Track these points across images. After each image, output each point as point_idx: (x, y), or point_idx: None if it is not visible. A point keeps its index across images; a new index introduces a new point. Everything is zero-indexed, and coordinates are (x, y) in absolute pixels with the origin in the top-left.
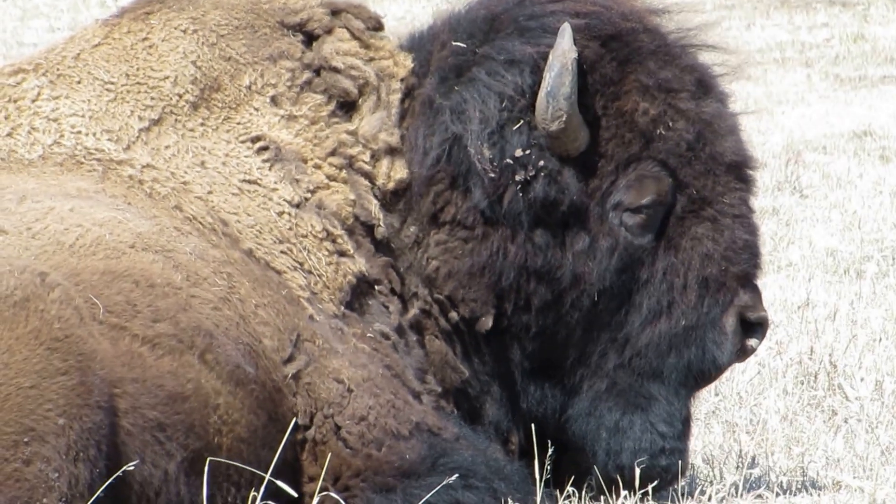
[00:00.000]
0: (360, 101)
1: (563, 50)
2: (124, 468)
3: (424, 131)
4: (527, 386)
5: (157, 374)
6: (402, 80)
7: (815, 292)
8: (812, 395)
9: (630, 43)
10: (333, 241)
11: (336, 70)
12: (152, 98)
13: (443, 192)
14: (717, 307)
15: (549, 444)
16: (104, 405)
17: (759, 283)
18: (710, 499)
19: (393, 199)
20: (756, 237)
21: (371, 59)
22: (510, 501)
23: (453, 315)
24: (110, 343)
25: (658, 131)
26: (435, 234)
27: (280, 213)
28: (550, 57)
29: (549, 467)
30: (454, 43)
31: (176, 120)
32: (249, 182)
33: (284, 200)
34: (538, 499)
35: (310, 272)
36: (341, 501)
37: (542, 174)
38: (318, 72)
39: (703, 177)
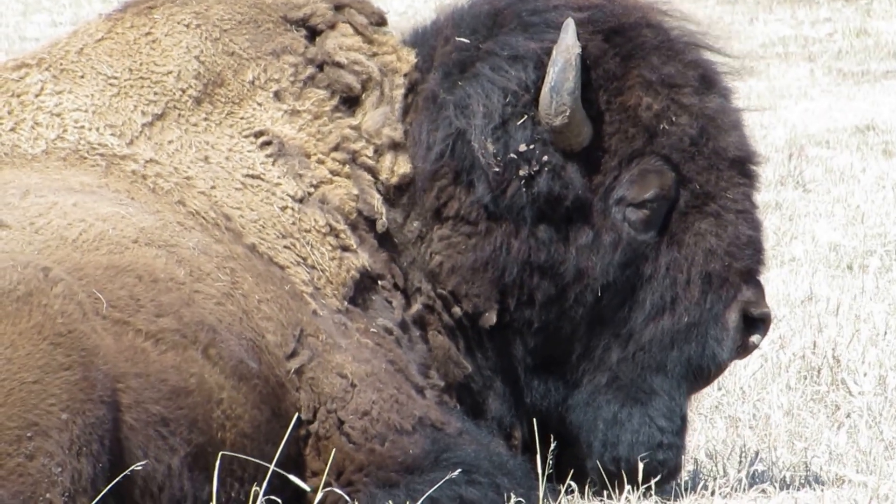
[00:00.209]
0: (364, 96)
1: (567, 45)
2: (132, 467)
3: (428, 126)
4: (530, 381)
5: (161, 369)
6: (405, 75)
7: (818, 287)
8: (815, 390)
9: (633, 38)
10: (336, 236)
11: (339, 65)
12: (155, 93)
13: (446, 187)
14: (719, 303)
15: (552, 439)
16: (107, 400)
17: (762, 278)
18: (713, 493)
19: (396, 194)
20: (759, 232)
21: (374, 55)
22: (513, 496)
23: (456, 310)
24: (113, 338)
25: (661, 126)
26: (438, 229)
27: (283, 208)
28: (554, 52)
29: (551, 462)
30: (457, 38)
31: (179, 115)
32: (253, 177)
33: (287, 195)
34: (541, 494)
35: (313, 267)
36: (345, 496)
37: (546, 169)
38: (321, 67)
39: (707, 172)
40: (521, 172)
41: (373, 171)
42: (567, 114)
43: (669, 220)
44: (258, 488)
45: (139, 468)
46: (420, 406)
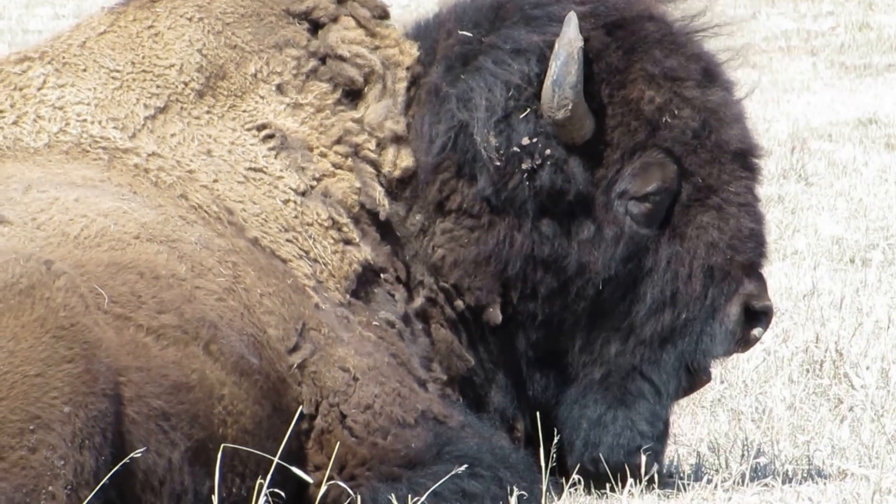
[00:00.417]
0: (366, 89)
1: (570, 39)
2: (132, 454)
3: (430, 119)
4: (532, 374)
5: (162, 364)
6: (407, 68)
7: (821, 280)
8: (818, 384)
9: (636, 31)
10: (339, 230)
11: (342, 58)
12: (158, 86)
13: (449, 180)
14: (721, 296)
15: (555, 432)
16: (109, 393)
17: (765, 271)
18: (715, 487)
19: (399, 187)
20: (761, 226)
21: (377, 48)
22: (516, 490)
23: (459, 303)
24: (115, 332)
25: (664, 119)
26: (441, 222)
27: (286, 202)
28: (556, 46)
29: (554, 455)
30: (460, 32)
31: (182, 108)
32: (255, 170)
33: (290, 188)
34: (544, 487)
35: (315, 260)
36: (347, 490)
37: (549, 163)
38: (323, 60)
39: (709, 165)
40: (524, 166)
41: (375, 165)
42: (569, 107)
43: (672, 213)
44: (262, 481)
45: (139, 455)
46: (422, 399)
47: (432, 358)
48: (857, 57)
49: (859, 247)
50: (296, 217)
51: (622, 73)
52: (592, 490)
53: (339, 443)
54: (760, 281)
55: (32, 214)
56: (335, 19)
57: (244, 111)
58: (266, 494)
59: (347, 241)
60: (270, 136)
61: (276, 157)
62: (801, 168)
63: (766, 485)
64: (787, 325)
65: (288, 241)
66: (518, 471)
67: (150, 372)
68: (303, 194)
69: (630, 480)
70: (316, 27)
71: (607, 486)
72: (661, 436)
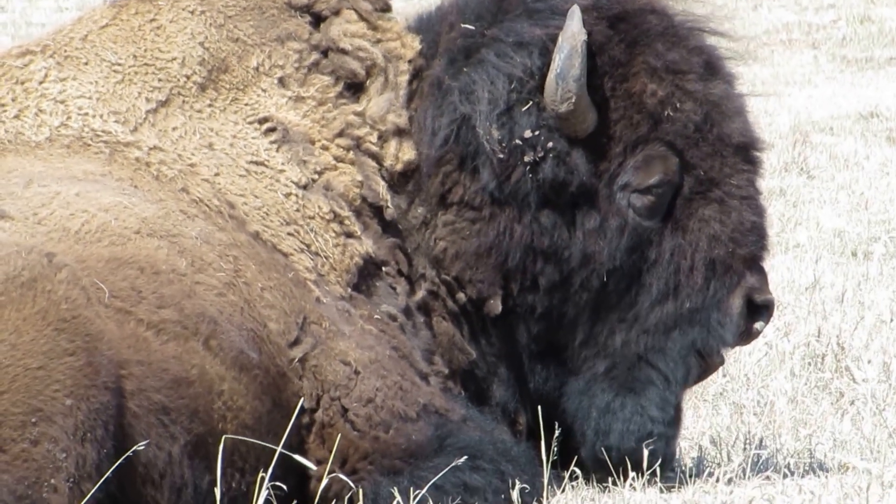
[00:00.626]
0: (368, 82)
1: (573, 32)
2: (136, 447)
3: (433, 112)
4: (534, 367)
5: (162, 359)
6: (409, 61)
7: (823, 274)
8: (819, 377)
9: (638, 24)
10: (341, 223)
11: (344, 51)
12: (160, 79)
13: (451, 172)
14: (723, 289)
15: (557, 426)
16: (111, 386)
17: (766, 264)
18: (717, 480)
19: (401, 180)
20: (763, 219)
21: (379, 41)
22: (517, 483)
23: (461, 296)
24: (116, 325)
25: (666, 113)
26: (443, 215)
27: (287, 195)
28: (560, 39)
29: (556, 448)
30: (462, 24)
31: (183, 101)
32: (257, 163)
33: (292, 182)
34: (545, 480)
35: (317, 254)
36: (349, 483)
37: (551, 155)
38: (325, 53)
39: (711, 158)
40: (526, 158)
41: (377, 158)
42: (572, 100)
43: (674, 206)
44: (264, 474)
45: (141, 448)
46: (424, 393)
47: (434, 351)
48: (858, 50)
49: (861, 240)
50: (297, 210)
51: (625, 66)
52: (594, 483)
53: (340, 436)
54: (762, 274)
55: (34, 209)
56: (337, 12)
57: (246, 104)
58: (268, 488)
59: (349, 235)
60: (272, 130)
61: (277, 151)
62: (802, 161)
63: (767, 478)
64: (788, 318)
65: (289, 234)
66: (520, 464)
67: (151, 366)
68: (304, 188)
69: (632, 473)
70: (318, 20)
71: (609, 479)
72: (672, 421)
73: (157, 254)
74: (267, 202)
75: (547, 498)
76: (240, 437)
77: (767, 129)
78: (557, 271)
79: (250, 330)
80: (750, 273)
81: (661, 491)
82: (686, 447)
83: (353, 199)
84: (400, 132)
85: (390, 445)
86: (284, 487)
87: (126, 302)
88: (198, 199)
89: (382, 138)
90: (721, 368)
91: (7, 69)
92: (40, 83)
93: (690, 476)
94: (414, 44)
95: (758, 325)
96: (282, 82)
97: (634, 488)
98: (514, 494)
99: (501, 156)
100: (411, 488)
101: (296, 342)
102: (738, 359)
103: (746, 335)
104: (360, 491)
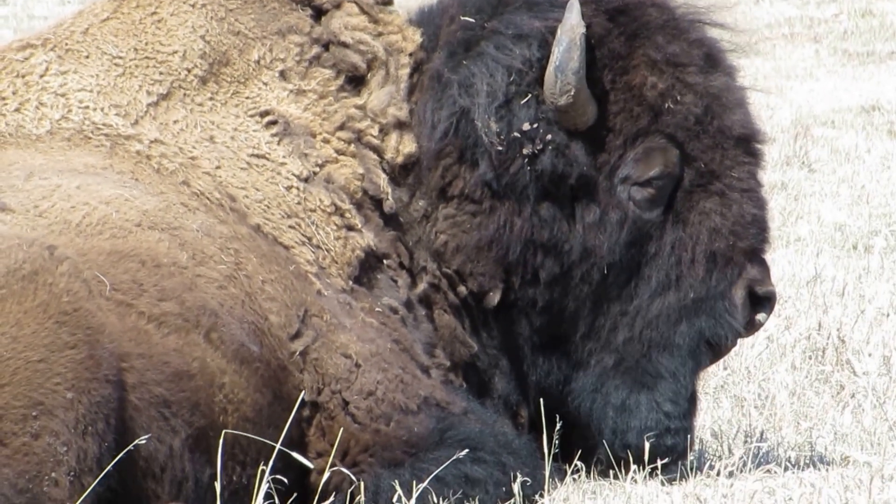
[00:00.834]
0: (369, 75)
1: (572, 24)
2: (138, 441)
3: (433, 105)
4: (536, 360)
5: (163, 352)
6: (410, 54)
7: (824, 267)
8: (820, 370)
9: (638, 17)
10: (342, 216)
11: (345, 45)
12: (161, 73)
13: (451, 165)
14: (724, 281)
15: (558, 419)
16: (112, 379)
17: (768, 257)
18: (718, 473)
19: (402, 173)
20: (764, 211)
21: (380, 34)
22: (518, 475)
23: (462, 289)
24: (117, 318)
25: (666, 105)
26: (443, 207)
27: (288, 188)
28: (559, 31)
29: (557, 441)
30: (463, 17)
31: (184, 94)
32: (258, 156)
33: (293, 175)
34: (546, 473)
35: (318, 247)
36: (350, 476)
37: (550, 148)
38: (326, 46)
39: (712, 150)
40: (525, 151)
41: (378, 151)
42: (572, 93)
43: (674, 198)
44: (264, 467)
45: (143, 442)
46: (425, 385)
47: (435, 344)
48: (860, 44)
49: (862, 233)
50: (298, 203)
51: (624, 58)
52: (596, 476)
53: (341, 429)
54: (763, 266)
55: (34, 202)
56: (338, 6)
57: (247, 98)
58: (269, 481)
59: (350, 228)
60: (273, 123)
61: (279, 144)
62: (804, 155)
63: (768, 471)
64: (789, 312)
65: (290, 227)
66: (521, 456)
67: (152, 359)
68: (306, 180)
69: (634, 467)
70: (319, 13)
71: (611, 472)
72: (686, 413)
73: (159, 247)
74: (268, 195)
75: (548, 490)
76: (241, 433)
77: (769, 122)
78: (558, 264)
79: (251, 323)
80: (751, 265)
81: (663, 484)
82: None
83: (354, 192)
84: (401, 125)
85: (391, 438)
86: (285, 480)
87: (127, 295)
88: (199, 191)
89: (383, 131)
90: (722, 361)
91: (8, 62)
92: (41, 76)
93: (692, 469)
94: (415, 37)
95: (760, 316)
96: (283, 75)
97: (636, 481)
98: (516, 487)
99: (500, 148)
100: (413, 481)
101: (297, 335)
102: (739, 352)
103: (749, 327)
104: (362, 484)
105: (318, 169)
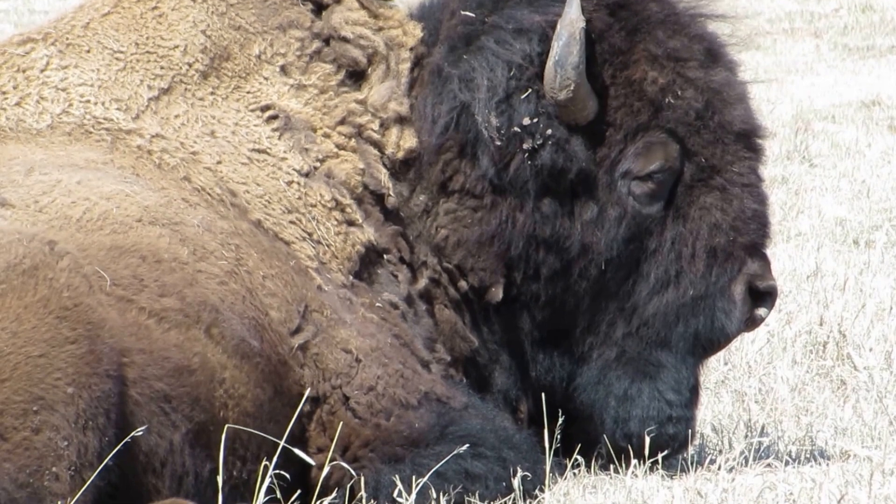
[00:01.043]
0: (370, 70)
1: (572, 19)
2: (134, 433)
3: (433, 100)
4: (536, 355)
5: (164, 347)
6: (411, 49)
7: (824, 262)
8: (821, 365)
9: (639, 12)
10: (342, 211)
11: (345, 39)
12: (162, 67)
13: (451, 160)
14: (725, 276)
15: (559, 413)
16: (113, 374)
17: (769, 252)
18: (719, 467)
19: (402, 167)
20: (765, 206)
21: (380, 29)
22: (519, 470)
23: (462, 284)
24: (118, 313)
25: (667, 100)
26: (444, 202)
27: (289, 183)
28: (559, 26)
29: (558, 436)
30: (463, 12)
31: (185, 89)
32: (259, 151)
33: (294, 170)
34: (547, 468)
35: (318, 242)
36: (350, 471)
37: (550, 143)
38: (327, 41)
39: (712, 145)
40: (525, 146)
41: (379, 146)
42: (571, 88)
43: (675, 193)
44: (267, 463)
45: (141, 437)
46: (425, 380)
47: (436, 339)
48: (860, 39)
49: (863, 228)
50: (299, 198)
51: (625, 53)
52: (596, 471)
53: (341, 424)
54: (764, 261)
55: (35, 197)
56: (339, 0)
57: (248, 92)
58: (271, 476)
59: (351, 223)
60: (274, 118)
61: (279, 139)
62: (804, 149)
63: (769, 465)
64: (790, 306)
65: (291, 222)
66: (521, 451)
67: (153, 354)
68: (306, 175)
69: (634, 461)
70: (320, 8)
71: (611, 466)
72: (688, 403)
73: (159, 242)
74: (269, 190)
75: (549, 485)
76: (242, 428)
77: (769, 117)
78: (560, 259)
79: (252, 318)
80: (752, 260)
81: (663, 478)
82: None
83: (354, 187)
84: (401, 120)
85: (392, 433)
86: (287, 476)
87: (128, 290)
88: (200, 187)
89: (384, 126)
90: (723, 356)
91: (8, 57)
92: (42, 71)
93: (692, 463)
94: (415, 31)
95: (761, 311)
96: (284, 70)
97: (636, 475)
98: (516, 482)
99: (500, 143)
100: (413, 476)
101: (297, 330)
102: (739, 346)
103: (750, 322)
104: (362, 478)
105: (318, 164)
